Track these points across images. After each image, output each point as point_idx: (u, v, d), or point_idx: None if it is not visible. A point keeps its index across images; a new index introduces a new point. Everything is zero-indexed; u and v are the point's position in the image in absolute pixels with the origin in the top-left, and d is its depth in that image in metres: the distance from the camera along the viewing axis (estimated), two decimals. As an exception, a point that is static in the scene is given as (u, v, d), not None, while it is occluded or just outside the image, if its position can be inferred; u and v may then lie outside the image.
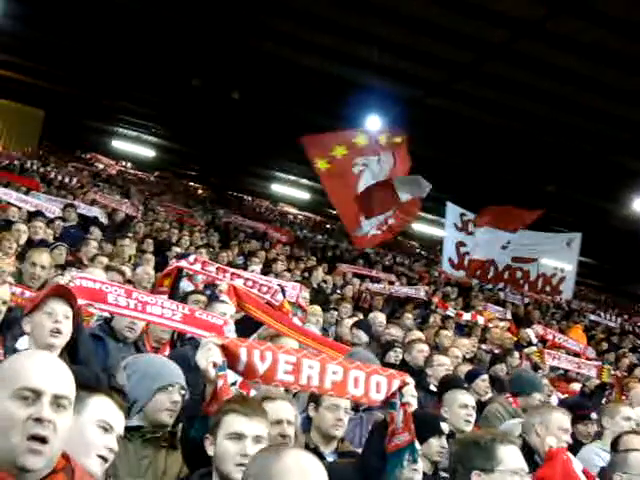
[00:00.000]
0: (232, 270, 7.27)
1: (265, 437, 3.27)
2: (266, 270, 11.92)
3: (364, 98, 17.45)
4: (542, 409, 5.15)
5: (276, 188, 31.73)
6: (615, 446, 5.06)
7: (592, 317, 18.94)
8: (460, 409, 5.45)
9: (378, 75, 17.22)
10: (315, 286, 12.36)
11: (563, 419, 4.94)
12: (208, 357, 3.54)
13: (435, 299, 14.14)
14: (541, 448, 4.51)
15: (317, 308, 9.35)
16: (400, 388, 3.66)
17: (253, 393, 4.28)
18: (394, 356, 7.77)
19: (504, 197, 18.49)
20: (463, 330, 12.19)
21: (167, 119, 25.20)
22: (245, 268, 10.98)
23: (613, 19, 13.92)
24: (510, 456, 3.40)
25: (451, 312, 13.09)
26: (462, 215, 17.00)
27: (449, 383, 5.97)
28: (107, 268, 7.71)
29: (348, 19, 15.73)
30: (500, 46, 15.74)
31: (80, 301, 4.51)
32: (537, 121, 18.88)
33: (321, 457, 4.17)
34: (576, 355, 10.49)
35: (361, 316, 10.41)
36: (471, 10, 14.56)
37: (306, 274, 13.36)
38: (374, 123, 17.68)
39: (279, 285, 7.15)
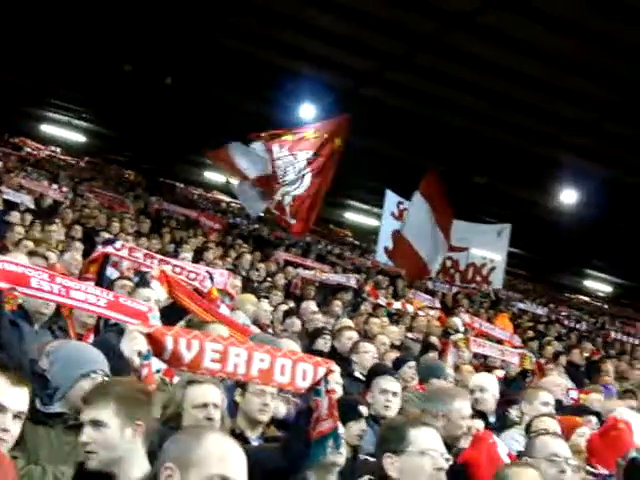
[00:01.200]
0: (160, 257, 7.23)
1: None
2: (197, 258, 11.84)
3: (298, 86, 17.50)
4: (445, 397, 5.18)
5: (209, 176, 31.48)
6: (528, 430, 5.18)
7: (519, 306, 19.31)
8: (380, 395, 5.50)
9: (312, 64, 17.30)
10: (244, 274, 12.34)
11: (463, 406, 5.02)
12: (133, 345, 3.54)
13: (366, 287, 14.25)
14: (446, 434, 4.53)
15: (250, 297, 9.31)
16: (326, 375, 3.70)
17: (177, 379, 4.28)
18: (323, 343, 7.81)
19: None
20: (392, 318, 12.31)
21: (98, 104, 24.72)
22: (176, 256, 10.89)
23: (538, 11, 14.25)
24: (420, 438, 3.44)
25: (382, 301, 13.20)
26: (399, 204, 17.08)
27: (374, 370, 6.02)
28: (30, 253, 7.57)
29: (281, 6, 15.73)
30: (431, 38, 15.94)
31: (2, 284, 4.43)
32: (467, 113, 19.20)
33: (246, 442, 4.21)
34: (501, 343, 10.69)
35: (292, 304, 10.48)
36: (405, 1, 14.72)
37: (237, 262, 13.34)
38: (308, 111, 17.71)
39: (207, 272, 7.13)
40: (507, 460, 4.27)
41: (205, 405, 3.96)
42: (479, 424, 5.47)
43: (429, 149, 19.89)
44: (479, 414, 5.73)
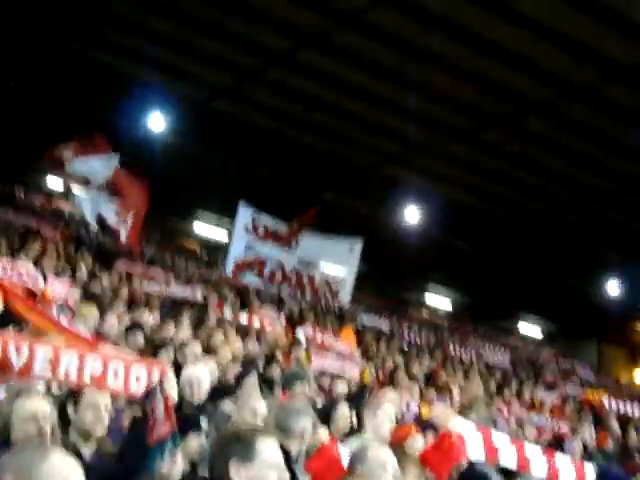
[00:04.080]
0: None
1: None
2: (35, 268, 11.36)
3: (146, 95, 17.20)
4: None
5: (52, 183, 30.34)
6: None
7: (364, 320, 19.66)
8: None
9: (160, 72, 17.06)
10: (84, 284, 11.97)
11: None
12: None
13: (212, 300, 14.12)
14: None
15: (91, 309, 9.02)
16: (160, 378, 3.64)
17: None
18: (166, 356, 7.68)
19: (285, 203, 18.84)
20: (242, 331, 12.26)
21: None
22: (12, 265, 10.41)
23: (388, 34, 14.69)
24: (268, 449, 3.42)
25: (227, 314, 13.12)
26: (254, 218, 17.04)
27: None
28: None
29: (129, 13, 15.50)
30: (284, 54, 16.12)
31: None
32: (315, 129, 19.49)
33: (79, 456, 4.05)
34: (343, 356, 10.86)
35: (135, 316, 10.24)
36: (257, 15, 14.81)
37: (77, 272, 12.92)
38: (157, 121, 17.43)
39: (42, 276, 6.90)
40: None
41: (35, 418, 3.79)
42: (324, 434, 5.53)
43: (279, 164, 20.05)
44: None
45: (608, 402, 15.38)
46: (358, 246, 18.60)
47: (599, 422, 13.35)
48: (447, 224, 22.77)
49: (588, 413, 14.22)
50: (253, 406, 5.58)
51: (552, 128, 18.09)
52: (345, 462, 4.44)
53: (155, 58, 16.56)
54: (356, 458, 4.25)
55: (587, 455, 9.20)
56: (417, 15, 14.58)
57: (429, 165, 20.64)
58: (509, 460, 5.18)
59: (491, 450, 5.13)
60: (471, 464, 5.15)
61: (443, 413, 7.41)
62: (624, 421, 13.87)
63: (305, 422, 5.05)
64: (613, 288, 24.07)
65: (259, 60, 16.83)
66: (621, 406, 15.34)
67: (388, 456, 4.23)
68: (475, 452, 5.04)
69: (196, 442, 4.60)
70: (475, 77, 16.31)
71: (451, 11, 14.29)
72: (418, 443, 5.22)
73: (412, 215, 21.60)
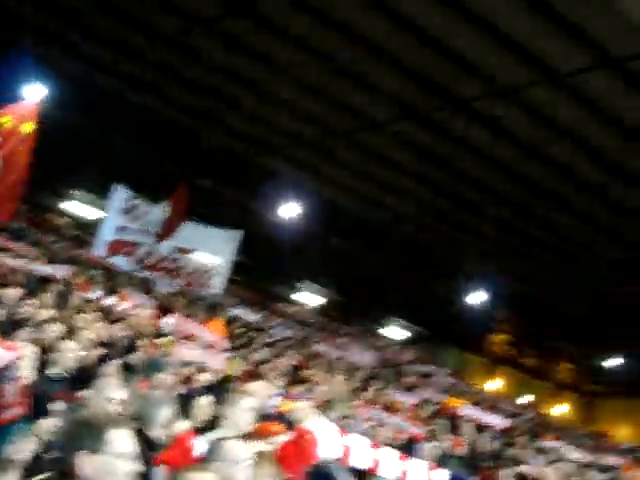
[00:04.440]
0: None
1: None
2: None
3: (25, 64, 16.58)
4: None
5: None
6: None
7: (234, 311, 19.59)
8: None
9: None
10: None
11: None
12: None
13: (78, 280, 13.74)
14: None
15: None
16: (14, 361, 3.52)
17: None
18: (25, 335, 7.43)
19: (161, 187, 18.53)
20: (106, 314, 11.97)
21: None
22: None
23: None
24: (118, 440, 3.38)
25: (93, 295, 12.80)
26: (129, 200, 16.68)
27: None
28: None
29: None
30: (171, 35, 15.94)
31: None
32: (194, 113, 19.28)
33: None
34: (210, 347, 10.78)
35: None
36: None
37: None
38: (36, 92, 16.80)
39: None
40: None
41: None
42: (182, 424, 5.49)
43: (158, 147, 19.73)
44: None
45: (465, 409, 15.91)
46: (237, 238, 18.58)
47: (455, 428, 13.75)
48: (325, 222, 23.02)
49: (444, 418, 14.64)
50: (110, 393, 5.46)
51: (428, 135, 18.32)
52: (200, 454, 4.42)
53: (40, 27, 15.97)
54: (211, 451, 4.23)
55: (441, 460, 9.46)
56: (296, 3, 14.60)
57: (311, 162, 20.75)
58: (362, 461, 5.27)
59: (345, 450, 5.20)
60: (320, 463, 5.20)
61: (302, 410, 7.47)
62: (479, 429, 14.36)
63: (165, 412, 4.99)
64: (476, 298, 24.85)
65: (142, 38, 16.51)
66: (477, 414, 15.90)
67: (243, 451, 4.22)
68: (329, 451, 5.09)
69: (49, 425, 4.48)
70: (352, 75, 16.38)
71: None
72: (278, 440, 5.24)
73: (291, 210, 21.61)
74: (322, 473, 4.19)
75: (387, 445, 6.24)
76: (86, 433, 3.38)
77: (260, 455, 4.44)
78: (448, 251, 24.60)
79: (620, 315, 25.09)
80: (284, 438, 4.99)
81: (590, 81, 14.27)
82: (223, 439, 4.33)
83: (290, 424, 6.29)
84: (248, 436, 4.72)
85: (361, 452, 5.26)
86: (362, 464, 5.27)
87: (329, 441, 5.12)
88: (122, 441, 3.35)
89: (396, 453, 5.66)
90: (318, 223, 22.84)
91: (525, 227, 21.95)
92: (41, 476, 3.37)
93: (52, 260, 15.48)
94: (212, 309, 18.65)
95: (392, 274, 26.06)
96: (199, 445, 4.47)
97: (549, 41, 13.36)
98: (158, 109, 19.56)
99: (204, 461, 4.18)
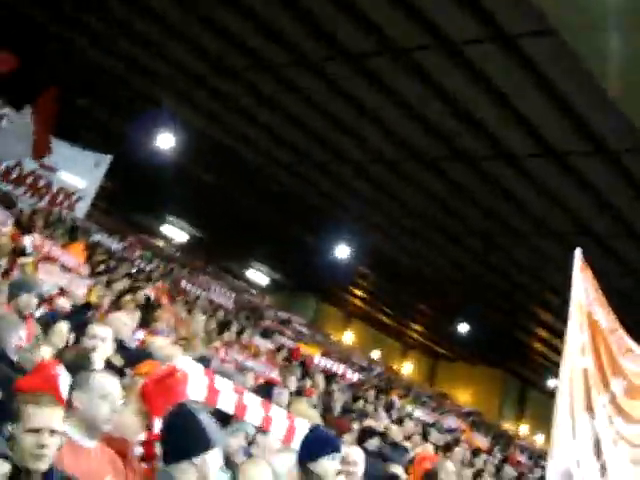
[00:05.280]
0: None
1: None
2: None
3: None
4: None
5: None
6: None
7: (96, 237, 19.01)
8: None
9: None
10: None
11: None
12: None
13: None
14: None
15: None
16: None
17: None
18: None
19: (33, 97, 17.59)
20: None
21: None
22: None
23: None
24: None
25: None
26: None
27: None
28: None
29: None
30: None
31: None
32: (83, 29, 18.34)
33: None
34: (70, 270, 10.39)
35: None
36: None
37: None
38: None
39: None
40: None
41: None
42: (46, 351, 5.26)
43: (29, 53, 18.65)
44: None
45: (317, 358, 16.20)
46: (105, 162, 17.97)
47: (306, 375, 13.94)
48: (199, 158, 22.55)
49: (297, 364, 14.81)
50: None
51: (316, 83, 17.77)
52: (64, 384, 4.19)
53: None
54: (77, 384, 4.03)
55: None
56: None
57: (189, 94, 19.95)
58: (228, 405, 5.17)
59: (212, 392, 5.09)
60: (184, 402, 5.07)
61: (168, 347, 7.30)
62: (329, 379, 14.62)
63: (20, 334, 4.76)
64: (342, 251, 25.14)
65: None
66: (329, 363, 16.24)
67: (112, 386, 4.05)
68: (196, 392, 4.97)
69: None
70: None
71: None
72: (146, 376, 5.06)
73: (165, 141, 20.93)
74: (185, 412, 4.03)
75: (247, 389, 6.16)
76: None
77: (126, 389, 4.28)
78: (318, 202, 24.51)
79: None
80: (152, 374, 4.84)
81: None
82: (91, 374, 4.14)
83: (153, 359, 6.13)
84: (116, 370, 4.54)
85: (229, 396, 5.17)
86: (229, 408, 5.17)
87: (197, 381, 4.99)
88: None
89: (258, 399, 5.59)
90: (191, 158, 22.36)
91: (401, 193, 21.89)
92: None
93: None
94: (73, 232, 18.03)
95: (261, 219, 25.92)
96: (64, 374, 4.23)
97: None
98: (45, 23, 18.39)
99: (69, 395, 3.97)
